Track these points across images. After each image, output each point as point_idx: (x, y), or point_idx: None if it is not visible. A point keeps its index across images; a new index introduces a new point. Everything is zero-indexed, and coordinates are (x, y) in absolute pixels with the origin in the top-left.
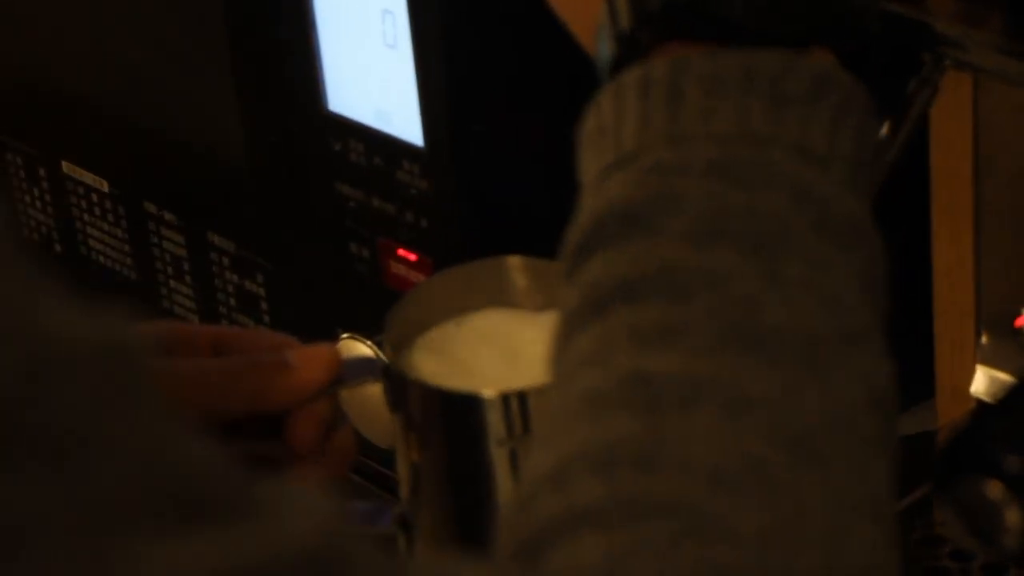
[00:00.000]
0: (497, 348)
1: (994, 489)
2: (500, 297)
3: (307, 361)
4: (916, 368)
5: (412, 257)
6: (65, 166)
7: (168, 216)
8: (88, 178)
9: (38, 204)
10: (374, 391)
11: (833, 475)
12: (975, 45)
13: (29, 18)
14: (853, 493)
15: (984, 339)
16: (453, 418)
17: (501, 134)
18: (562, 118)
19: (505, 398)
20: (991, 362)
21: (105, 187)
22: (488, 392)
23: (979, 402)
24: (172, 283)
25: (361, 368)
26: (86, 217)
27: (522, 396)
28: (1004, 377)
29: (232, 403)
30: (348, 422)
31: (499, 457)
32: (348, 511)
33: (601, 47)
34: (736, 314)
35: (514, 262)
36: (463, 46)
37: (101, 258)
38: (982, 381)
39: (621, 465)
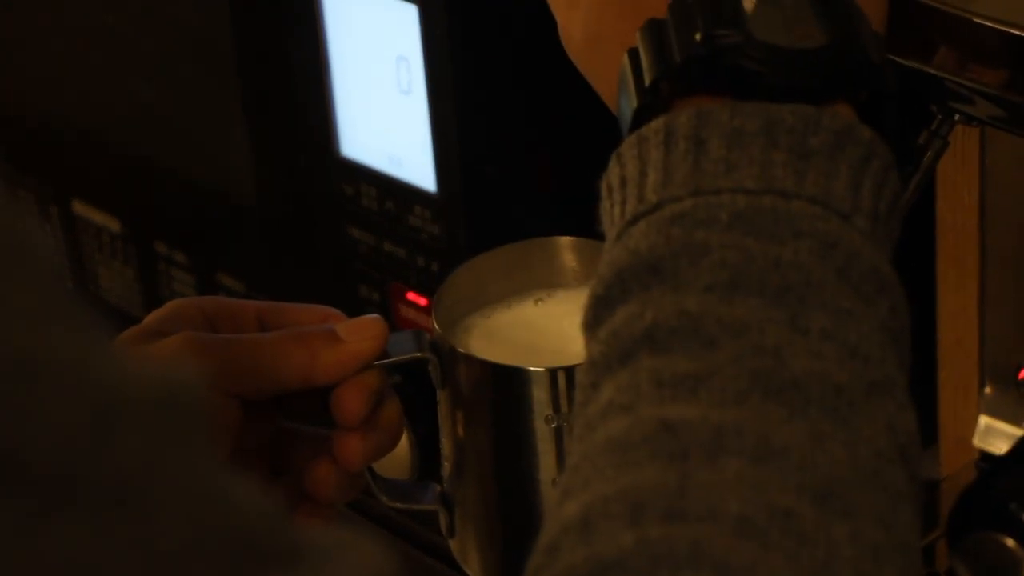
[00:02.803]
0: (545, 327)
1: (1008, 545)
2: (549, 276)
3: (355, 333)
4: (920, 416)
5: (422, 301)
6: (76, 205)
7: (178, 256)
8: (99, 217)
9: None
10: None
11: (860, 525)
12: (983, 99)
13: (42, 58)
14: (880, 543)
15: (988, 390)
16: (500, 393)
17: (513, 180)
18: (574, 165)
19: (552, 373)
20: (994, 413)
21: (116, 227)
22: (535, 367)
23: (984, 454)
24: None
25: (409, 342)
26: (97, 256)
27: (569, 372)
28: (1007, 428)
29: (281, 376)
30: (395, 396)
31: (544, 434)
32: (390, 487)
33: (622, 99)
34: (761, 364)
35: (564, 241)
36: (477, 93)
37: (111, 297)
38: (985, 432)
39: (647, 514)
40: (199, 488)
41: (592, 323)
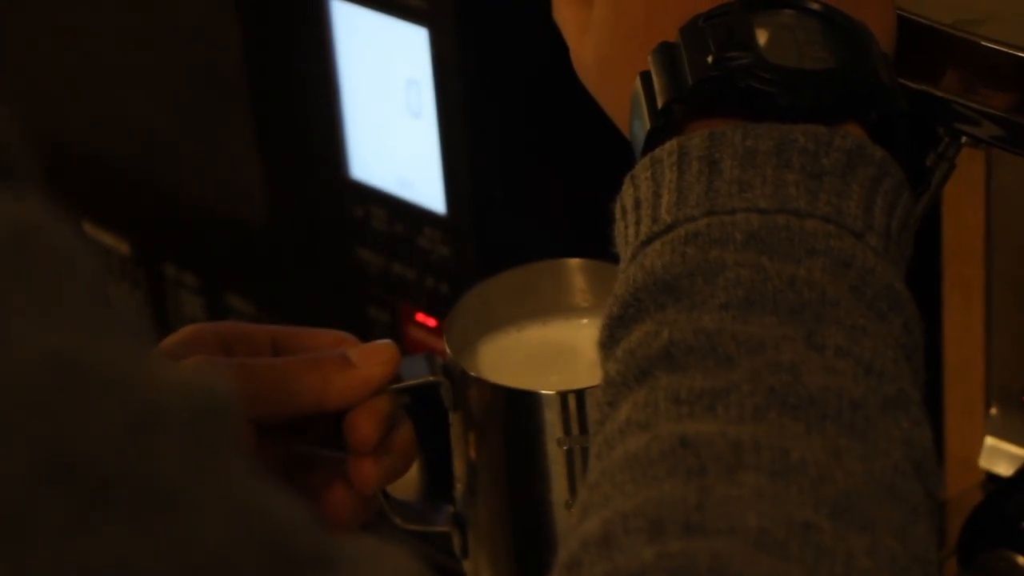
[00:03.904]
0: (556, 348)
1: (1019, 562)
2: (559, 298)
3: (368, 358)
4: None
5: (431, 322)
6: (86, 228)
7: (188, 279)
8: (109, 240)
9: None
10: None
11: (877, 538)
12: (990, 122)
13: (53, 81)
14: (897, 557)
15: (993, 411)
16: (511, 416)
17: (522, 202)
18: (584, 187)
19: (563, 396)
20: (1000, 434)
21: (126, 249)
22: (547, 390)
23: (989, 475)
24: None
25: (421, 366)
26: (107, 279)
27: (580, 395)
28: (1013, 449)
29: (294, 401)
30: (408, 419)
31: (556, 456)
32: (404, 509)
33: (635, 122)
34: (777, 380)
35: (574, 263)
36: (487, 116)
37: None
38: (991, 453)
39: (667, 529)
40: (237, 493)
41: (608, 342)
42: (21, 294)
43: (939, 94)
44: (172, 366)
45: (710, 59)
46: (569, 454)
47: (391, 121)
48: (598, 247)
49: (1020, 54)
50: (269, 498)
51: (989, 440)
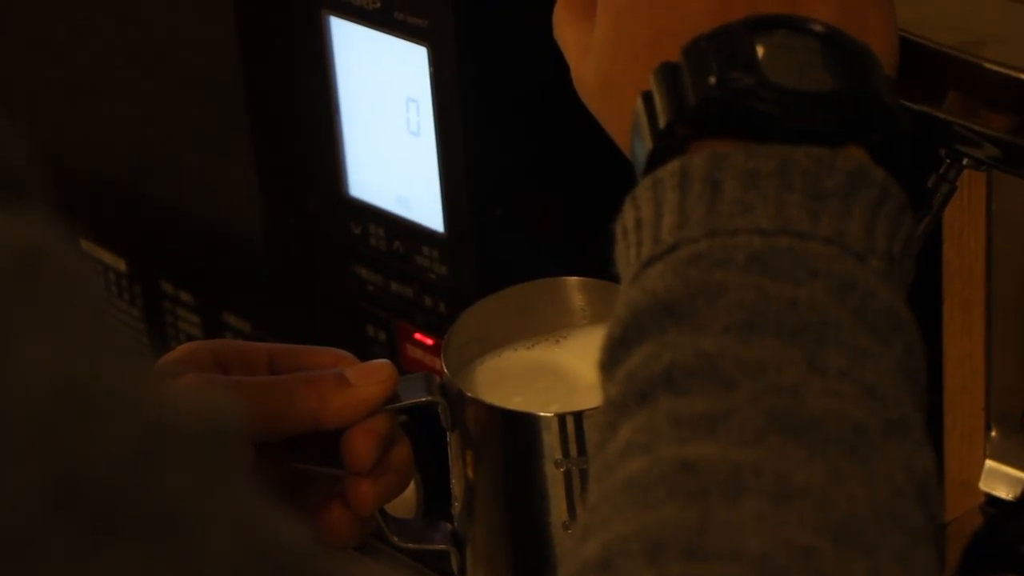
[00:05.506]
0: (554, 368)
1: None
2: (557, 317)
3: (365, 377)
4: None
5: (429, 341)
6: (83, 245)
7: (184, 296)
8: (106, 257)
9: None
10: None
11: (879, 563)
12: (992, 144)
13: (50, 97)
14: None
15: (994, 434)
16: (509, 437)
17: (521, 221)
18: (582, 206)
19: (561, 418)
20: (1000, 457)
21: (122, 266)
22: (544, 412)
23: (989, 498)
24: None
25: (419, 386)
26: (107, 298)
27: (578, 417)
28: (1012, 472)
29: (291, 419)
30: (406, 438)
31: (554, 477)
32: (402, 528)
33: (636, 142)
34: (779, 403)
35: (572, 282)
36: (485, 134)
37: None
38: (991, 476)
39: (668, 553)
40: (243, 515)
41: (609, 364)
42: (27, 316)
43: (941, 116)
44: (176, 388)
45: (712, 80)
46: (567, 476)
47: (390, 139)
48: (597, 266)
49: (1022, 76)
50: (275, 520)
51: (989, 463)
